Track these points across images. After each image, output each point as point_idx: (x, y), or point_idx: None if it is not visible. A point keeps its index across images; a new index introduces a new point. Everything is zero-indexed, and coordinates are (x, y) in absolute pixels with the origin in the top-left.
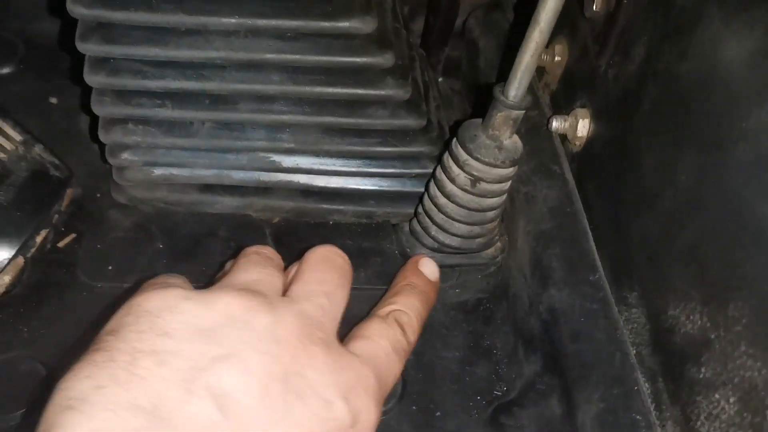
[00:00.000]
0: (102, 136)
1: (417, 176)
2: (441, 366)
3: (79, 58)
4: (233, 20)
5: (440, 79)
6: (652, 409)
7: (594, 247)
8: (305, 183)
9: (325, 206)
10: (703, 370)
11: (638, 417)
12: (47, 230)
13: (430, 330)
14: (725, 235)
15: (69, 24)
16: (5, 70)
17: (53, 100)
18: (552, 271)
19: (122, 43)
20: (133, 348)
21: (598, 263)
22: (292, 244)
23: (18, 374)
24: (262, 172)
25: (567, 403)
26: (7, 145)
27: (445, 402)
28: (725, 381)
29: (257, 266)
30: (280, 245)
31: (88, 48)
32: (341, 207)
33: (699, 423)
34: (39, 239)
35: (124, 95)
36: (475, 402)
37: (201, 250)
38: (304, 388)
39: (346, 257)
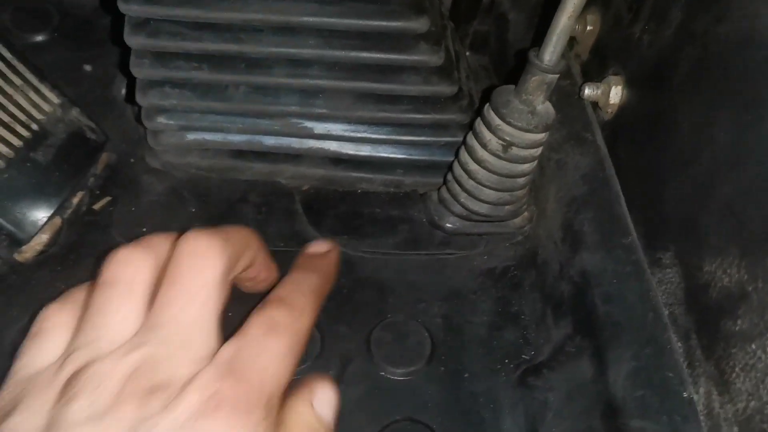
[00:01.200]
0: (139, 99)
1: (446, 145)
2: (469, 330)
3: (116, 23)
4: None
5: (467, 54)
6: (684, 366)
7: (627, 212)
8: (335, 150)
9: (354, 174)
10: (739, 322)
11: (671, 374)
12: (83, 192)
13: (457, 295)
14: (765, 188)
15: None
16: (40, 38)
17: (87, 68)
18: (584, 236)
19: (163, 3)
20: None
21: (631, 227)
22: (321, 211)
23: None
24: (294, 139)
25: (598, 364)
26: (46, 107)
27: (474, 364)
28: (762, 331)
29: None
30: (309, 212)
31: (130, 8)
32: (370, 175)
33: (734, 375)
34: (75, 201)
35: (162, 57)
36: (503, 365)
37: (233, 215)
38: None
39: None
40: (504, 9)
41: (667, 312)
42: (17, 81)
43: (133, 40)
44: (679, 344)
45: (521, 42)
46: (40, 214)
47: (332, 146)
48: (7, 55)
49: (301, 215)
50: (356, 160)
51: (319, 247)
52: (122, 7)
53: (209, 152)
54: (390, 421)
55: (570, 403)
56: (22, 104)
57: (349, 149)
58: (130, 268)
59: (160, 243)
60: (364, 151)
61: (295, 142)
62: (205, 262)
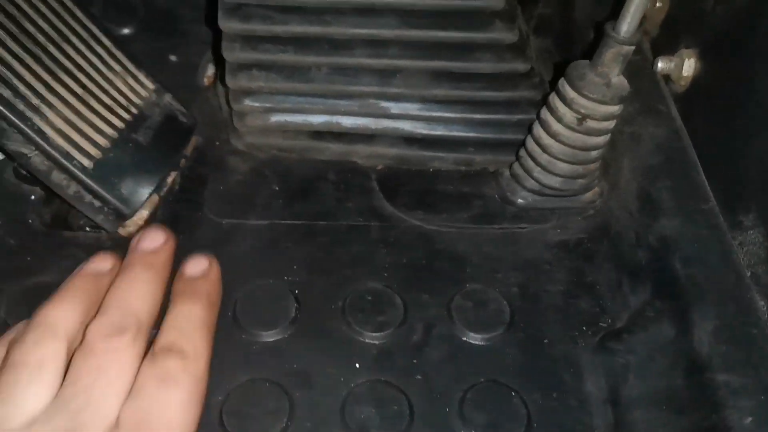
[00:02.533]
0: (229, 82)
1: (517, 122)
2: (545, 298)
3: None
4: None
5: (531, 36)
6: None
7: (704, 179)
8: (409, 130)
9: (426, 153)
10: None
11: (755, 330)
12: (176, 172)
13: (532, 266)
14: None
15: None
16: (126, 31)
17: (172, 58)
18: (662, 203)
19: None
20: None
21: (710, 193)
22: (396, 188)
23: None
24: (370, 119)
25: (680, 325)
26: (142, 92)
27: (552, 331)
28: None
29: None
30: (385, 189)
31: None
32: (442, 154)
33: None
34: (169, 180)
35: (251, 41)
36: (581, 332)
37: (312, 192)
38: None
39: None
40: None
41: (749, 273)
42: (117, 67)
43: (226, 24)
44: (762, 303)
45: (588, 23)
46: (143, 191)
47: (406, 126)
48: (107, 42)
49: (377, 192)
50: (429, 139)
51: (196, 266)
52: None
53: (290, 133)
54: (474, 383)
55: (652, 363)
56: (122, 89)
57: (422, 129)
58: (40, 350)
59: (68, 323)
60: (437, 130)
61: (371, 123)
62: (118, 343)
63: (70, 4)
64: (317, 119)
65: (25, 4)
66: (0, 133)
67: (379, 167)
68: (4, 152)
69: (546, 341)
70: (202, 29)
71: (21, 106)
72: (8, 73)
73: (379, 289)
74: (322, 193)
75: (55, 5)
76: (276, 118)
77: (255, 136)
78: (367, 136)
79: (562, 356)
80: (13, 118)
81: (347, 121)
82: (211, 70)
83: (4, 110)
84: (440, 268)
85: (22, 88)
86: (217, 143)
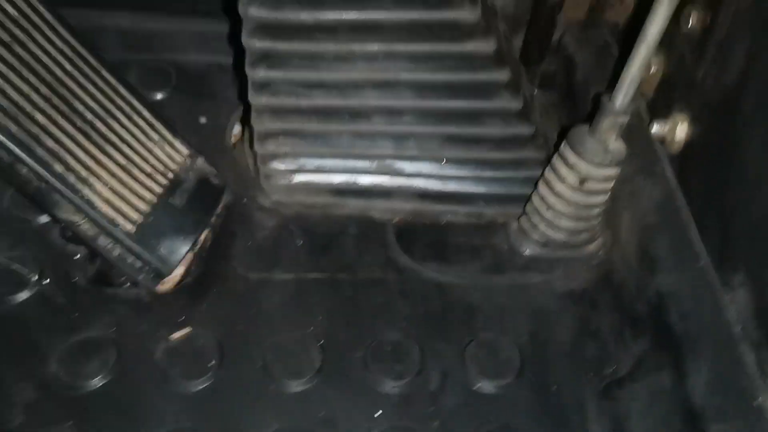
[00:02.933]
0: (257, 148)
1: (524, 179)
2: (554, 346)
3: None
4: (376, 46)
5: (536, 92)
6: (758, 375)
7: (698, 237)
8: (423, 187)
9: (439, 207)
10: None
11: (745, 383)
12: (208, 230)
13: (542, 315)
14: None
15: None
16: (160, 96)
17: (202, 120)
18: (659, 260)
19: (284, 68)
20: None
21: (703, 251)
22: (412, 241)
23: (197, 346)
24: (387, 177)
25: (677, 375)
26: (178, 158)
27: (560, 377)
28: None
29: None
30: (401, 242)
31: (257, 74)
32: (454, 208)
33: None
34: (202, 238)
35: (279, 113)
36: (588, 378)
37: (335, 246)
38: None
39: None
40: (571, 51)
41: (740, 327)
42: (155, 136)
43: (256, 99)
44: (752, 356)
45: (588, 81)
46: (180, 251)
47: (420, 183)
48: (147, 113)
49: (394, 245)
50: (441, 195)
51: None
52: (251, 74)
53: (313, 191)
54: (488, 429)
55: (652, 410)
56: (160, 156)
57: (435, 186)
58: None
59: None
60: (450, 187)
61: (388, 181)
62: None
63: (114, 81)
64: (338, 178)
65: (75, 85)
66: (53, 204)
67: (396, 220)
68: (55, 218)
69: (554, 387)
70: (229, 92)
71: (72, 179)
72: (61, 150)
73: (398, 339)
74: (344, 246)
75: (101, 84)
76: (300, 178)
77: (280, 194)
78: (384, 193)
79: (570, 402)
80: (66, 191)
81: (365, 180)
82: (237, 130)
83: (58, 184)
84: (454, 317)
85: (73, 162)
86: (245, 201)
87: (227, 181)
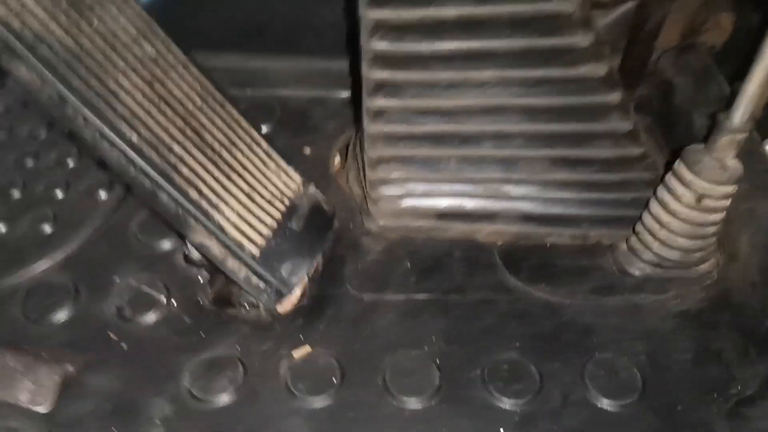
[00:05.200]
0: (369, 174)
1: (632, 201)
2: (675, 367)
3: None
4: (489, 73)
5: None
6: None
7: None
8: (528, 210)
9: (544, 230)
10: None
11: None
12: (320, 254)
13: (657, 335)
14: None
15: None
16: (266, 129)
17: (306, 151)
18: None
19: (399, 97)
20: None
21: None
22: (518, 263)
23: (318, 364)
24: (492, 201)
25: None
26: (292, 185)
27: (684, 398)
28: None
29: None
30: (507, 264)
31: (375, 103)
32: (559, 230)
33: None
34: (316, 261)
35: (392, 139)
36: (713, 398)
37: (441, 268)
38: None
39: None
40: (668, 75)
41: None
42: (272, 165)
43: (372, 127)
44: None
45: (689, 102)
46: (299, 273)
47: (525, 206)
48: (264, 144)
49: (501, 267)
50: (546, 217)
51: None
52: (369, 103)
53: (418, 215)
54: None
55: None
56: (277, 184)
57: (540, 208)
58: None
59: None
60: (555, 209)
61: (493, 204)
62: None
63: (236, 114)
64: (444, 202)
65: (205, 118)
66: (188, 228)
67: (500, 243)
68: (188, 242)
69: (679, 408)
70: (328, 124)
71: (205, 205)
72: (195, 178)
73: (514, 359)
74: (451, 268)
75: (226, 116)
76: (407, 203)
77: (387, 219)
78: (489, 216)
79: (697, 422)
80: (200, 216)
81: (471, 204)
82: (337, 159)
83: (193, 209)
84: (568, 338)
85: (205, 189)
86: (352, 226)
87: (334, 207)
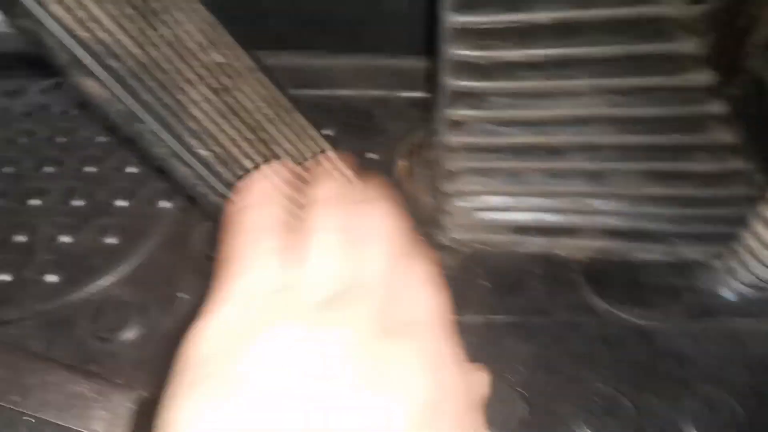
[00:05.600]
0: (444, 186)
1: (730, 217)
2: None
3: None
4: (582, 81)
5: None
6: None
7: None
8: (614, 225)
9: (630, 246)
10: None
11: None
12: None
13: (761, 367)
14: None
15: None
16: (329, 132)
17: (370, 155)
18: None
19: (482, 107)
20: None
21: None
22: (603, 281)
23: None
24: (576, 215)
25: None
26: None
27: None
28: None
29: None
30: (592, 282)
31: (454, 113)
32: (647, 246)
33: None
34: None
35: (471, 151)
36: None
37: (521, 287)
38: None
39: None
40: (763, 74)
41: None
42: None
43: (450, 138)
44: None
45: None
46: None
47: (612, 221)
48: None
49: (584, 286)
50: (635, 233)
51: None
52: (448, 114)
53: (495, 229)
54: None
55: None
56: None
57: (628, 223)
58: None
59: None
60: (645, 225)
61: (577, 219)
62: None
63: (304, 122)
64: (524, 216)
65: (273, 127)
66: None
67: (582, 259)
68: None
69: None
70: (392, 126)
71: None
72: None
73: (607, 392)
74: (531, 287)
75: (294, 126)
76: (483, 216)
77: (460, 232)
78: (571, 231)
79: None
80: None
81: (552, 218)
82: (401, 164)
83: None
84: (663, 367)
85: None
86: (422, 239)
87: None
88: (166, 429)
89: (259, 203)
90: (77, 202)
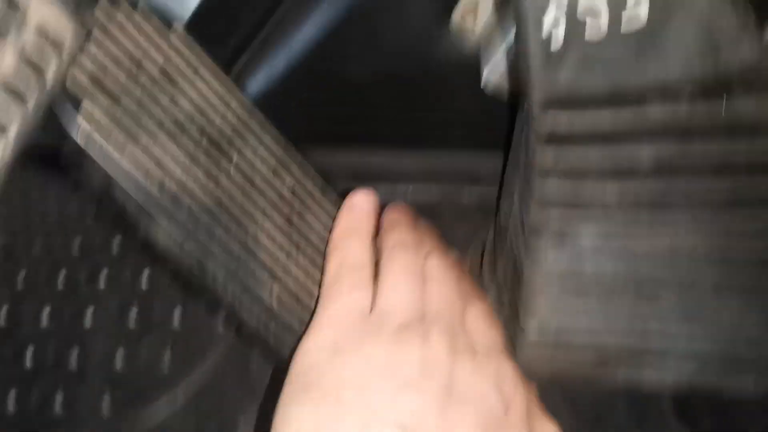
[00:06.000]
0: (526, 315)
1: None
2: None
3: None
4: (682, 216)
5: None
6: None
7: None
8: (705, 355)
9: (723, 379)
10: None
11: None
12: None
13: None
14: None
15: None
16: None
17: None
18: None
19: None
20: None
21: None
22: (693, 418)
23: None
24: (664, 345)
25: None
26: None
27: None
28: None
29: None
30: (681, 419)
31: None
32: (741, 378)
33: None
34: None
35: (561, 279)
36: None
37: (605, 422)
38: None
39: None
40: None
41: None
42: None
43: (538, 271)
44: None
45: None
46: None
47: (703, 350)
48: None
49: (675, 423)
50: (728, 364)
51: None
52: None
53: (572, 353)
54: None
55: None
56: None
57: (721, 354)
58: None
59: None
60: (738, 355)
61: (664, 347)
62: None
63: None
64: (608, 342)
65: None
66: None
67: (670, 393)
68: None
69: None
70: (460, 229)
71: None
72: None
73: None
74: (616, 422)
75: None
76: (565, 339)
77: (532, 351)
78: (659, 361)
79: None
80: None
81: (639, 345)
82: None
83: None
84: None
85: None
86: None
87: None
88: (276, 428)
89: (357, 233)
90: (131, 320)
